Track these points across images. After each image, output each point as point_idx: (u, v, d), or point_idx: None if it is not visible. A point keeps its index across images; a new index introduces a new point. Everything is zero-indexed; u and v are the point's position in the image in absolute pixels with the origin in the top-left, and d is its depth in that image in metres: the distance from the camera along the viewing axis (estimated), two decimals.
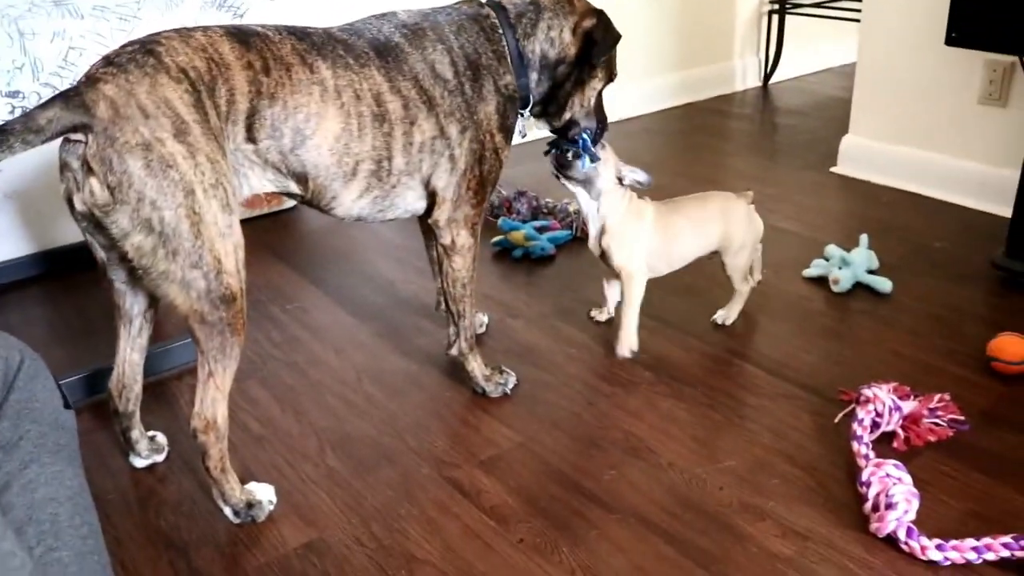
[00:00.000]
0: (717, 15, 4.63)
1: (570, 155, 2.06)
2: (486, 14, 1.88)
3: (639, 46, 4.24)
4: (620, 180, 2.12)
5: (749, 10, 4.75)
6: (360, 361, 2.22)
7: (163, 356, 2.17)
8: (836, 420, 1.88)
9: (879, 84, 3.31)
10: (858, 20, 3.71)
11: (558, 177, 2.13)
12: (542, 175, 3.41)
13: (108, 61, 1.47)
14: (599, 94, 2.05)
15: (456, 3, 1.92)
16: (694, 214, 2.20)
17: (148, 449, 1.86)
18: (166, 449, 1.89)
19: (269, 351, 2.28)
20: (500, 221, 2.86)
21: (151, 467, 1.85)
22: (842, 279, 2.44)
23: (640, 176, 2.13)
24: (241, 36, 1.60)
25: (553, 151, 2.09)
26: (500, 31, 1.87)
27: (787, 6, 4.68)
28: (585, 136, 2.03)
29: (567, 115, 2.01)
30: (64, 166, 1.45)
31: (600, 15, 1.93)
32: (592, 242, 2.18)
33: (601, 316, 2.36)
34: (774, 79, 4.91)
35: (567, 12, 1.92)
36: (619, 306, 2.24)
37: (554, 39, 1.91)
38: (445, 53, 1.80)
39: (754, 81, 4.90)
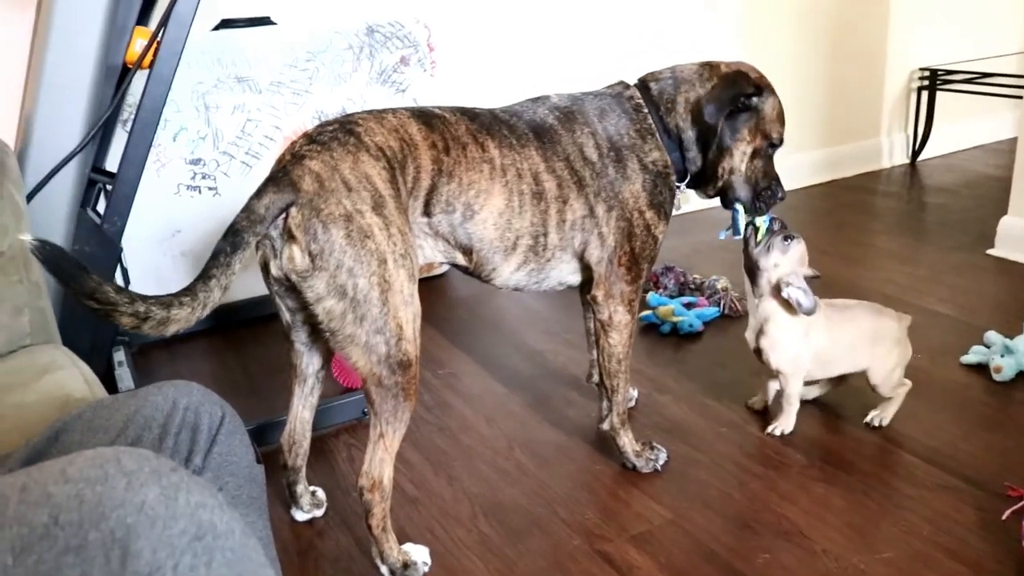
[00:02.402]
0: (865, 90, 4.59)
1: (731, 229, 2.03)
2: (629, 95, 1.93)
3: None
4: (778, 289, 2.04)
5: (898, 85, 4.69)
6: (510, 429, 2.27)
7: (323, 414, 2.27)
8: (1004, 517, 1.80)
9: None
10: (1012, 96, 3.62)
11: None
12: (690, 250, 3.44)
13: (311, 139, 1.60)
14: (768, 161, 1.97)
15: (606, 86, 1.99)
16: (867, 327, 2.12)
17: (310, 504, 1.95)
18: (325, 505, 1.97)
19: (422, 415, 2.35)
20: (648, 296, 2.89)
21: (310, 521, 1.93)
22: (1005, 367, 2.36)
23: (804, 299, 2.01)
24: (425, 118, 1.73)
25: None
26: (644, 110, 1.92)
27: (938, 82, 4.59)
28: (738, 207, 1.99)
29: (719, 183, 1.97)
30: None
31: (727, 76, 1.90)
32: (748, 335, 2.16)
33: (757, 404, 2.32)
34: (923, 156, 4.81)
35: (705, 80, 1.92)
36: (779, 394, 2.22)
37: (692, 107, 1.91)
38: (590, 136, 1.87)
39: (902, 158, 4.81)
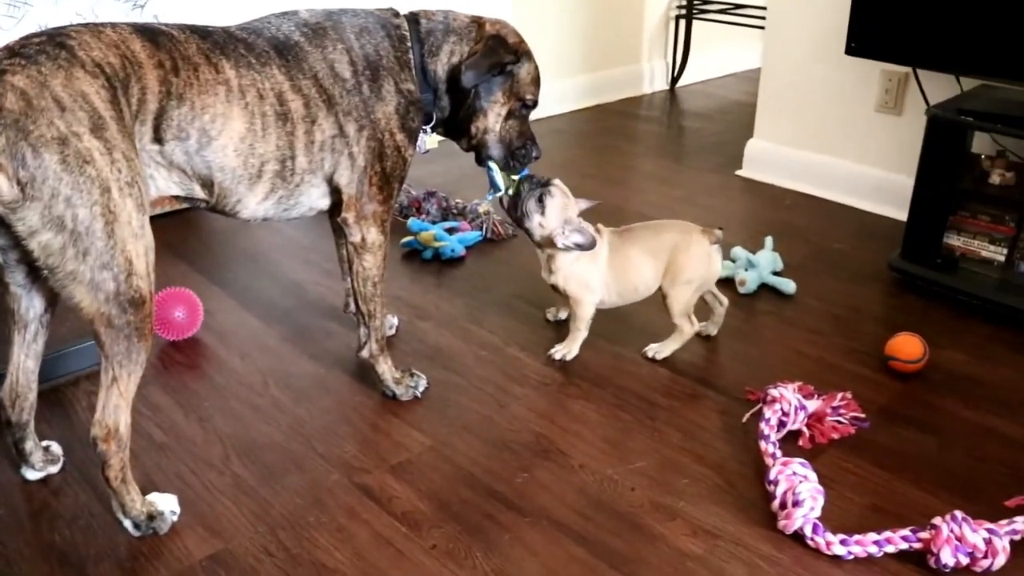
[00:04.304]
0: (626, 19, 4.69)
1: (491, 191, 2.04)
2: (397, 24, 1.88)
3: (548, 49, 4.25)
4: (552, 242, 2.05)
5: (657, 15, 4.83)
6: (267, 365, 2.17)
7: (57, 361, 2.07)
8: (744, 420, 1.91)
9: (782, 90, 3.40)
10: (762, 27, 3.81)
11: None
12: (452, 175, 3.40)
13: (13, 52, 1.40)
14: (523, 120, 2.00)
15: (375, 8, 1.90)
16: (649, 245, 2.12)
17: (42, 460, 1.77)
18: (61, 460, 1.80)
19: (171, 355, 2.21)
20: (409, 222, 2.84)
21: (45, 479, 1.77)
22: (748, 280, 2.49)
23: (579, 238, 2.04)
24: (150, 35, 1.57)
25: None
26: (408, 43, 1.87)
27: (694, 12, 4.77)
28: (491, 164, 2.00)
29: (473, 140, 1.99)
30: None
31: (488, 41, 1.91)
32: (543, 274, 2.15)
33: (552, 315, 2.35)
34: (681, 83, 5.00)
35: (471, 38, 1.92)
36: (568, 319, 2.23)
37: (453, 63, 1.91)
38: (344, 52, 1.79)
39: (661, 84, 4.98)
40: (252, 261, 2.76)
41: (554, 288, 2.15)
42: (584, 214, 2.11)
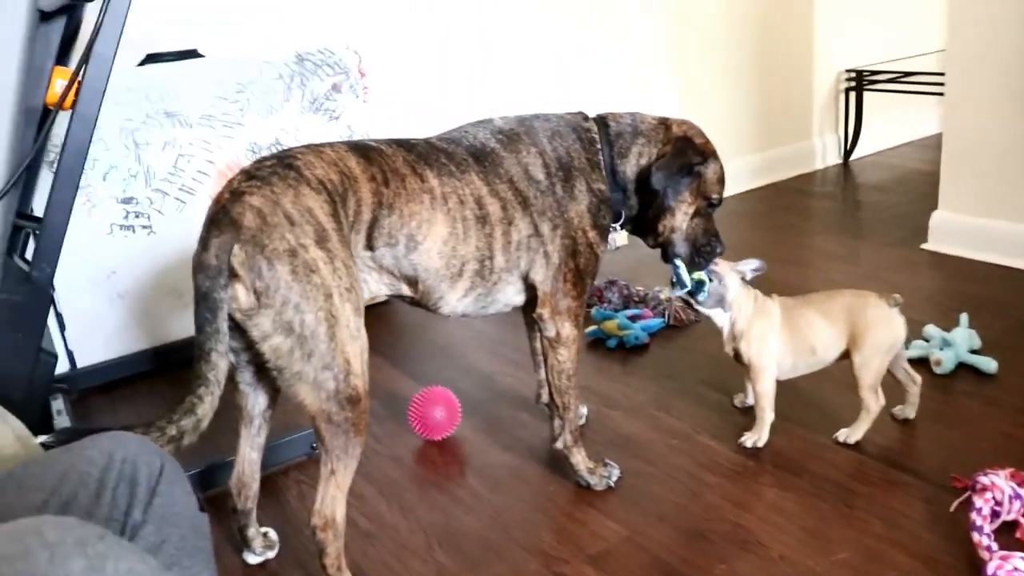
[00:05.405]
0: (794, 95, 4.68)
1: (678, 287, 2.09)
2: (587, 127, 1.98)
3: (717, 128, 4.27)
4: (743, 278, 2.13)
5: (826, 87, 4.78)
6: (463, 455, 2.26)
7: (271, 452, 2.23)
8: (952, 508, 1.83)
9: (967, 157, 3.28)
10: (936, 93, 3.71)
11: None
12: (631, 263, 3.45)
13: (249, 175, 1.58)
14: (707, 219, 2.05)
15: (562, 113, 2.01)
16: (823, 307, 2.13)
17: (262, 546, 1.90)
18: (277, 545, 1.93)
19: (373, 446, 2.32)
20: (593, 311, 2.90)
21: (263, 564, 1.89)
22: (944, 360, 2.40)
23: (753, 264, 2.14)
24: (363, 151, 1.72)
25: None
26: (598, 145, 1.96)
27: (864, 83, 4.69)
28: (677, 263, 2.05)
29: (660, 238, 2.05)
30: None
31: (676, 143, 1.97)
32: (727, 344, 2.18)
33: (739, 401, 2.36)
34: (855, 155, 4.91)
35: (658, 140, 1.99)
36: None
37: (642, 164, 1.98)
38: (538, 156, 1.89)
39: (834, 159, 4.90)
40: (443, 354, 2.88)
41: (736, 358, 2.16)
42: (758, 286, 2.18)
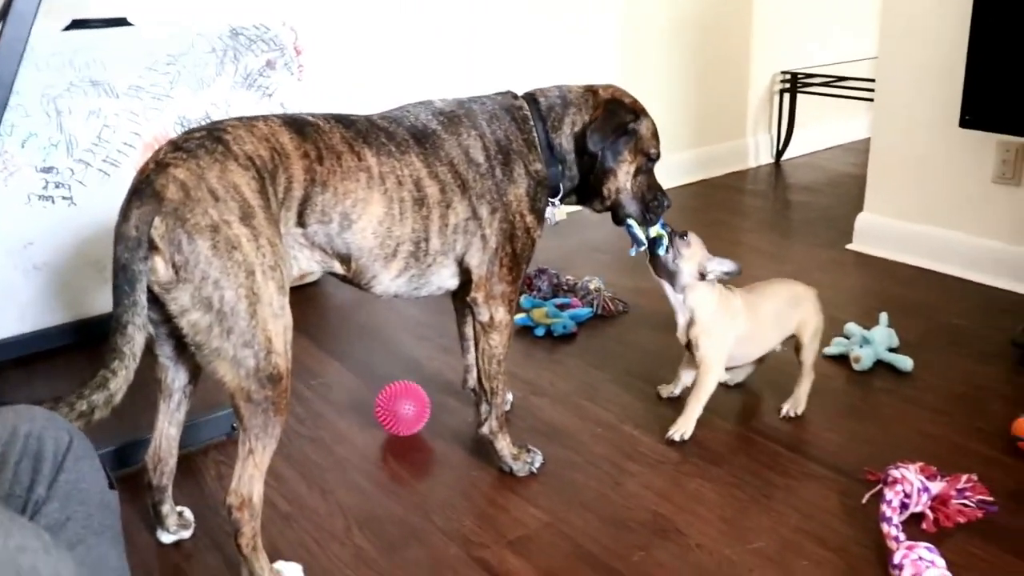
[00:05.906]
0: (730, 94, 4.74)
1: (635, 245, 2.10)
2: (519, 105, 1.97)
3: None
4: (703, 275, 2.11)
5: (761, 89, 4.86)
6: (386, 438, 2.24)
7: (189, 430, 2.18)
8: (864, 500, 1.87)
9: (893, 162, 3.37)
10: (866, 98, 3.80)
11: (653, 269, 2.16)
12: (563, 253, 3.46)
13: (177, 147, 1.54)
14: (649, 174, 2.06)
15: (492, 93, 2.00)
16: (780, 299, 2.22)
17: (176, 524, 1.86)
18: (193, 525, 1.89)
19: (294, 427, 2.29)
20: (522, 299, 2.90)
21: (177, 543, 1.85)
22: (863, 357, 2.46)
23: (727, 266, 2.13)
24: (297, 126, 1.69)
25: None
26: (531, 122, 1.96)
27: (798, 86, 4.78)
28: (630, 222, 2.06)
29: (607, 201, 2.05)
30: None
31: (607, 104, 1.99)
32: (680, 332, 2.18)
33: (666, 392, 2.38)
34: (786, 156, 5.00)
35: (589, 106, 2.00)
36: (686, 391, 2.25)
37: (577, 133, 1.99)
38: (478, 139, 1.88)
39: (767, 158, 4.98)
40: (370, 336, 2.85)
41: (688, 347, 2.18)
42: None
